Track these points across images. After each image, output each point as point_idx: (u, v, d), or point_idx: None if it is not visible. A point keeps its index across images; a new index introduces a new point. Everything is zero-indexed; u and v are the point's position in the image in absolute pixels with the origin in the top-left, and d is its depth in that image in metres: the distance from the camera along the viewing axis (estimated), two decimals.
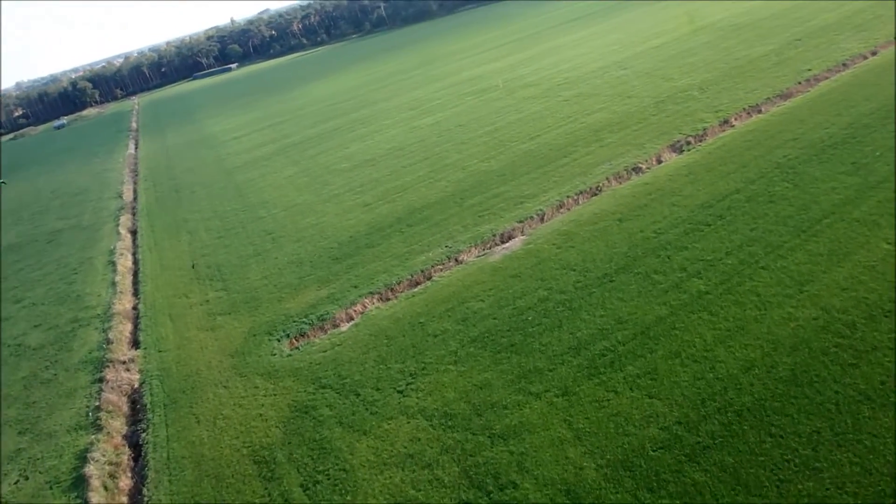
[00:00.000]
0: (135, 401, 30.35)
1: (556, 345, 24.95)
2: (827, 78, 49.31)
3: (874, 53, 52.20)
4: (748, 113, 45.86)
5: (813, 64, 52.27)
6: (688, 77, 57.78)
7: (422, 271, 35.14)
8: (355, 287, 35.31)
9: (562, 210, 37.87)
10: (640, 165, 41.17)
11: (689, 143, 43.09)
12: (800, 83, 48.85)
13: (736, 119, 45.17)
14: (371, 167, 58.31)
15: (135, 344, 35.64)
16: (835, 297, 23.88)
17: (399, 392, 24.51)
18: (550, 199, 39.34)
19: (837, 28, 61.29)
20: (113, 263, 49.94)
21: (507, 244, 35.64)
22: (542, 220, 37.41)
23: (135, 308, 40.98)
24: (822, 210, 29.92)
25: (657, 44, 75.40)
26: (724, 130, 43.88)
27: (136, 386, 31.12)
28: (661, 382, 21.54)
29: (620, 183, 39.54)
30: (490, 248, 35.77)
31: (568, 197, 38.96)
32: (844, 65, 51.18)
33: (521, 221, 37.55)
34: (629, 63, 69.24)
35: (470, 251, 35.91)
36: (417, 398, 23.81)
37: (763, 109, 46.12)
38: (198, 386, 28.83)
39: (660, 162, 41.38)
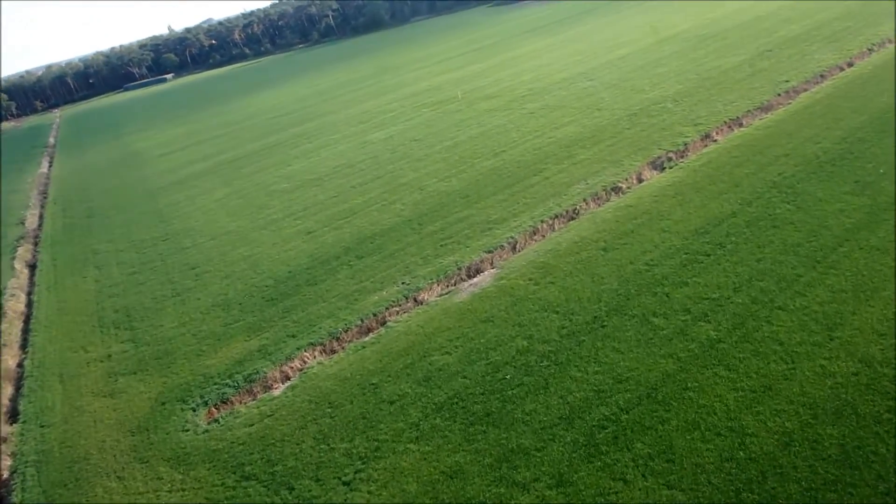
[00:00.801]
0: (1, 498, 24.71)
1: (544, 413, 20.74)
2: (806, 90, 47.33)
3: (850, 65, 50.68)
4: (729, 126, 43.25)
5: (790, 75, 50.40)
6: (659, 88, 55.33)
7: (374, 315, 30.58)
8: (293, 336, 30.48)
9: (536, 237, 34.03)
10: (620, 185, 37.80)
11: (670, 159, 40.04)
12: (779, 95, 46.69)
13: (717, 133, 42.46)
14: (315, 187, 53.63)
15: (12, 416, 29.71)
16: (872, 345, 20.50)
17: (345, 484, 19.73)
18: (522, 224, 35.51)
19: (806, 39, 60.08)
20: (0, 307, 43.73)
21: (475, 279, 31.50)
22: (514, 249, 33.48)
23: (20, 366, 34.83)
24: (834, 237, 26.84)
25: (622, 54, 73.35)
26: (706, 145, 41.06)
27: (3, 477, 25.36)
28: (681, 466, 17.55)
29: (600, 205, 36.04)
30: (455, 285, 31.53)
31: (542, 222, 35.18)
32: (822, 76, 49.40)
33: (489, 251, 33.51)
34: (595, 74, 66.74)
35: (431, 288, 31.61)
36: (369, 492, 19.14)
37: (745, 123, 43.61)
38: (84, 477, 23.19)
39: (641, 181, 38.11)
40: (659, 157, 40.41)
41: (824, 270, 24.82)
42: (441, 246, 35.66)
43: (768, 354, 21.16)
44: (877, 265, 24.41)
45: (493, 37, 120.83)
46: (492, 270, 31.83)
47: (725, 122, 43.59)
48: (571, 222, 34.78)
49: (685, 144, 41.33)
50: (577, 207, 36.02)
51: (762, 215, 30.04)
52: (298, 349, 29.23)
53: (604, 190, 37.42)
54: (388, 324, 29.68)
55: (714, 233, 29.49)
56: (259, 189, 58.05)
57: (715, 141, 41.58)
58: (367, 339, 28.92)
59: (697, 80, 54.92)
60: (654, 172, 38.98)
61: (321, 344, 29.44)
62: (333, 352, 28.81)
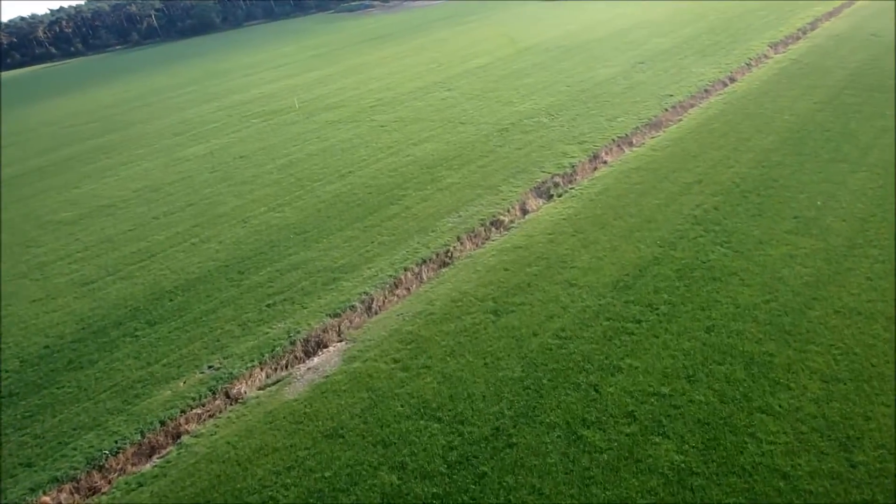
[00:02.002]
0: None
1: None
2: (693, 105, 43.09)
3: (732, 80, 47.63)
4: (618, 146, 37.50)
5: (671, 89, 46.24)
6: (530, 101, 49.18)
7: (163, 424, 19.98)
8: (27, 466, 19.21)
9: (399, 292, 25.14)
10: (501, 217, 30.10)
11: (557, 184, 33.18)
12: (666, 111, 41.97)
13: (607, 154, 36.49)
14: (107, 217, 41.02)
15: None
16: None
17: None
18: (380, 272, 26.50)
19: (678, 52, 57.32)
20: None
21: (316, 360, 21.82)
22: (369, 311, 24.31)
23: None
24: (795, 294, 20.56)
25: (481, 63, 67.28)
26: (596, 168, 34.77)
27: None
28: None
29: (479, 245, 28.04)
30: (287, 368, 21.68)
31: (406, 269, 26.39)
32: (707, 91, 45.71)
33: (335, 314, 24.11)
34: (453, 83, 59.77)
35: (252, 375, 21.51)
36: None
37: (635, 141, 38.09)
38: None
39: (525, 212, 30.72)
40: (543, 182, 33.38)
41: (801, 347, 18.27)
42: (268, 306, 25.65)
43: (771, 496, 13.88)
44: (867, 337, 18.31)
45: (336, 43, 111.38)
46: (339, 345, 22.45)
47: (613, 141, 37.76)
48: (445, 269, 26.35)
49: (572, 167, 34.73)
50: (451, 248, 27.71)
51: (694, 263, 23.47)
52: (33, 491, 18.14)
53: (482, 224, 29.51)
54: (184, 440, 19.32)
55: (638, 288, 22.38)
56: (29, 219, 44.11)
57: (605, 163, 35.45)
58: (147, 467, 18.43)
59: (570, 93, 49.46)
60: (541, 201, 31.80)
61: (73, 479, 18.51)
62: (92, 492, 18.07)
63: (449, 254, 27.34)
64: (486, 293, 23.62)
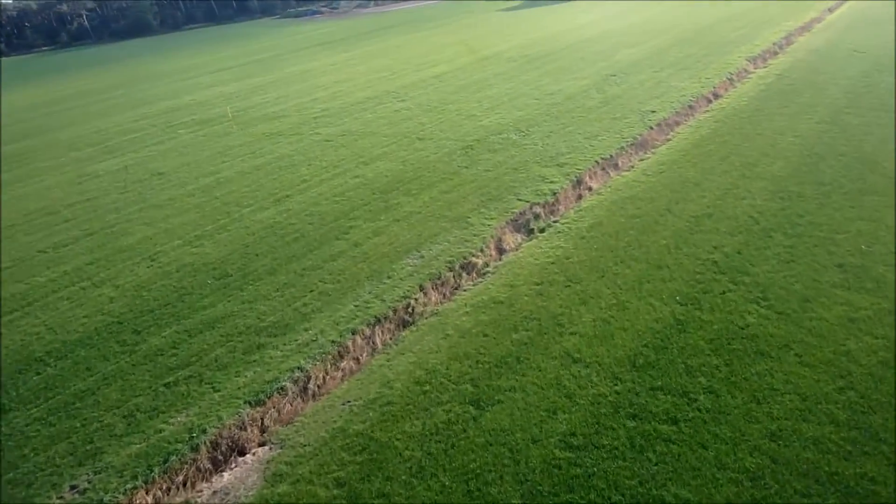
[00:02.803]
0: None
1: None
2: (679, 123, 38.61)
3: (717, 96, 43.50)
4: (603, 169, 32.53)
5: (652, 104, 41.72)
6: (495, 114, 43.94)
7: None
8: None
9: (345, 365, 19.13)
10: (474, 258, 24.53)
11: (537, 216, 27.84)
12: (651, 129, 37.35)
13: (592, 178, 31.45)
14: None
15: None
16: None
17: None
18: (319, 336, 20.43)
19: (652, 65, 53.19)
20: None
21: (226, 477, 15.50)
22: (304, 393, 18.11)
23: None
24: (874, 378, 15.32)
25: (438, 72, 61.92)
26: (581, 196, 29.65)
27: None
28: None
29: (447, 297, 22.36)
30: (187, 489, 15.64)
31: (353, 332, 20.48)
32: (691, 107, 41.39)
33: (259, 402, 17.83)
34: (408, 94, 54.14)
35: (137, 497, 15.47)
36: None
37: (622, 164, 33.20)
38: None
39: (502, 251, 25.28)
40: (521, 213, 27.98)
41: None
42: (167, 386, 19.12)
43: None
44: None
45: (280, 48, 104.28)
46: (262, 452, 16.26)
47: (597, 163, 32.75)
48: (405, 332, 20.48)
49: (553, 194, 29.45)
50: (411, 301, 21.98)
51: (729, 328, 18.31)
52: None
53: (450, 268, 23.82)
54: None
55: (663, 366, 17.01)
56: None
57: (591, 189, 30.34)
58: None
59: (541, 106, 44.45)
60: (520, 237, 26.37)
61: None
62: None
63: (410, 309, 21.54)
64: (461, 371, 17.88)
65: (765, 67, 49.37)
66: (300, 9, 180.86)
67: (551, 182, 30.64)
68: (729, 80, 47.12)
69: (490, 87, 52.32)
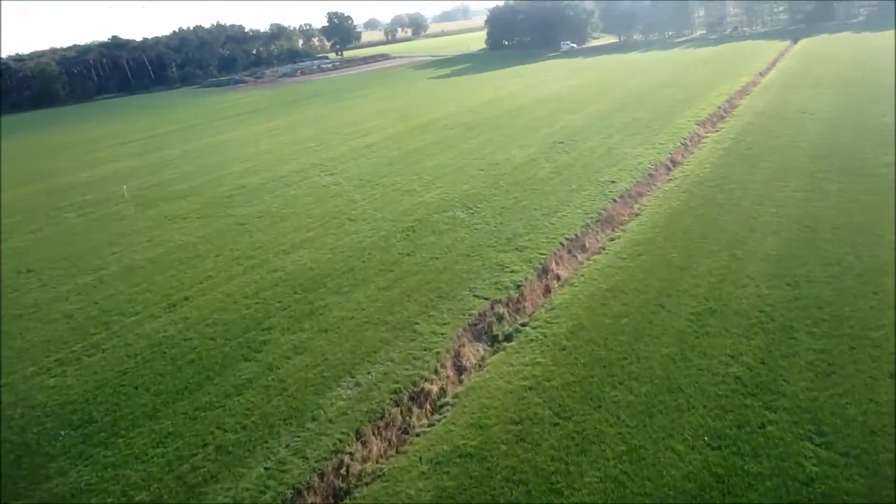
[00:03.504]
0: None
1: None
2: (643, 194, 34.93)
3: (675, 163, 40.43)
4: (569, 252, 27.99)
5: (610, 174, 38.05)
6: (436, 188, 39.30)
7: None
8: None
9: None
10: (426, 385, 18.99)
11: (500, 317, 22.70)
12: (615, 202, 33.41)
13: (558, 264, 26.79)
14: None
15: None
16: None
17: None
18: None
19: (598, 130, 50.29)
20: None
21: None
22: None
23: None
24: None
25: (370, 142, 57.40)
26: (551, 288, 24.75)
27: None
28: None
29: (396, 447, 16.62)
30: None
31: None
32: (651, 176, 37.97)
33: None
34: (337, 166, 49.12)
35: None
36: None
37: (590, 245, 28.76)
38: None
39: (462, 371, 19.93)
40: (481, 315, 22.78)
41: None
42: None
43: None
44: None
45: (196, 118, 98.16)
46: None
47: (562, 245, 28.22)
48: None
49: (517, 287, 24.50)
50: (345, 458, 16.16)
51: (786, 483, 13.26)
52: None
53: (395, 401, 18.20)
54: None
55: None
56: None
57: (560, 279, 25.59)
58: None
59: (486, 178, 40.16)
60: (482, 348, 21.10)
61: None
62: None
63: (344, 470, 15.73)
64: None
65: (716, 131, 47.04)
66: (222, 78, 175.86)
67: (512, 271, 25.73)
68: (683, 145, 44.37)
69: (429, 158, 47.98)
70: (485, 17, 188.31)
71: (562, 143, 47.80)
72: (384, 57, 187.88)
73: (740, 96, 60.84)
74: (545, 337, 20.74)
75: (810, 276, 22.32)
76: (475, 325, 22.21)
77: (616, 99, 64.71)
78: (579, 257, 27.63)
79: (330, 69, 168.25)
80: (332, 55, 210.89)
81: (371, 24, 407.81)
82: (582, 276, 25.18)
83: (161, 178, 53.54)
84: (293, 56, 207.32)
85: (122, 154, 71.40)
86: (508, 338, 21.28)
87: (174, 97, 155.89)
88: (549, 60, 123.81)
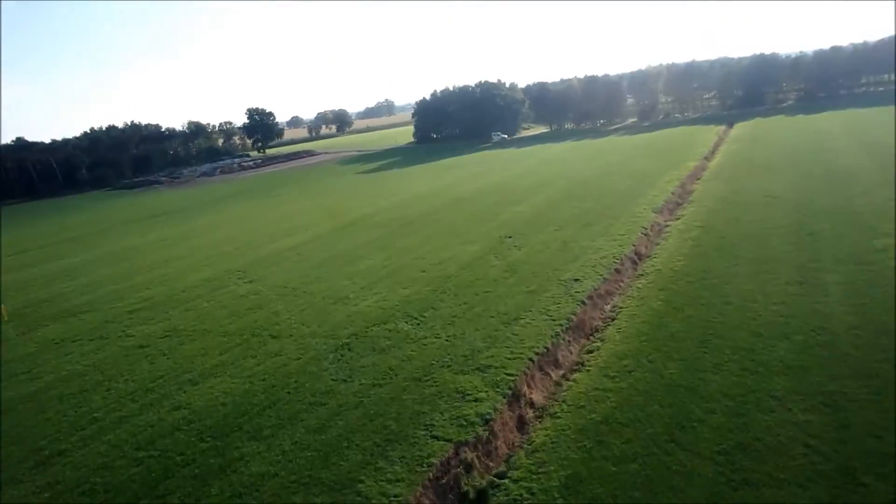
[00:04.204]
0: None
1: None
2: (613, 293, 31.75)
3: (640, 255, 37.78)
4: (543, 369, 23.94)
5: (572, 271, 34.80)
6: (373, 295, 35.06)
7: None
8: None
9: None
10: None
11: (469, 467, 18.18)
12: (583, 304, 29.92)
13: (532, 388, 22.68)
14: None
15: None
16: None
17: None
18: None
19: (548, 221, 47.69)
20: None
21: None
22: None
23: None
24: None
25: (295, 243, 53.04)
26: (526, 421, 20.57)
27: None
28: None
29: None
30: None
31: None
32: (618, 271, 35.02)
33: None
34: (258, 272, 44.37)
35: None
36: None
37: (563, 359, 24.86)
38: None
39: None
40: (444, 464, 18.24)
41: None
42: None
43: None
44: None
45: (102, 223, 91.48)
46: None
47: (531, 362, 24.20)
48: None
49: (485, 422, 20.06)
50: None
51: None
52: None
53: None
54: None
55: None
56: None
57: (535, 407, 21.42)
58: None
59: (430, 281, 36.27)
60: None
61: None
62: None
63: None
64: None
65: (677, 219, 45.13)
66: (137, 179, 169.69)
67: (476, 399, 21.39)
68: (645, 235, 42.04)
69: (362, 259, 43.91)
70: (411, 111, 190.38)
71: (510, 237, 44.77)
72: (309, 153, 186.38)
73: (691, 181, 60.16)
74: (532, 495, 16.28)
75: (848, 393, 18.90)
76: (437, 479, 17.55)
77: (561, 189, 63.11)
78: (554, 375, 23.62)
79: (252, 167, 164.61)
80: (254, 153, 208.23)
81: (294, 122, 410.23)
82: (564, 402, 21.06)
83: (54, 292, 47.25)
84: (213, 155, 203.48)
85: (14, 265, 64.30)
86: (483, 497, 16.74)
87: (84, 201, 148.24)
88: (482, 152, 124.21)
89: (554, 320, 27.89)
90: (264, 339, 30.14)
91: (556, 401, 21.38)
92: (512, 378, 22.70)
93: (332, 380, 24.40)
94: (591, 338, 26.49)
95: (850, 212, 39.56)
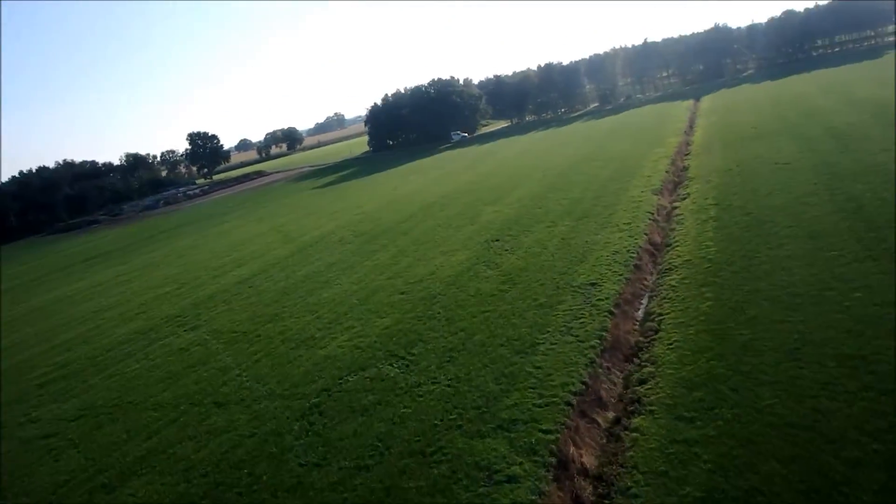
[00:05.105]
0: None
1: None
2: (641, 295, 25.95)
3: (656, 245, 32.12)
4: (582, 413, 17.89)
5: (584, 273, 28.79)
6: (345, 330, 28.51)
7: None
8: None
9: None
10: None
11: None
12: (611, 314, 23.94)
13: (581, 449, 16.47)
14: None
15: None
16: None
17: None
18: None
19: (537, 218, 41.70)
20: None
21: None
22: None
23: None
24: None
25: (246, 274, 46.00)
26: (583, 500, 14.67)
27: None
28: None
29: None
30: None
31: None
32: (638, 267, 29.18)
33: None
34: (201, 316, 37.35)
35: None
36: None
37: (606, 396, 18.88)
38: None
39: None
40: None
41: None
42: None
43: None
44: None
45: (28, 274, 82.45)
46: None
47: (571, 407, 18.14)
48: None
49: None
50: None
51: None
52: None
53: None
54: None
55: None
56: None
57: (590, 476, 15.40)
58: None
59: (415, 305, 29.85)
60: None
61: None
62: None
63: None
64: None
65: (684, 199, 39.68)
66: (72, 221, 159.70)
67: (509, 479, 15.13)
68: (654, 221, 36.46)
69: (327, 286, 37.35)
70: (363, 121, 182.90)
71: (497, 240, 38.74)
72: (259, 174, 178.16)
73: (681, 158, 55.07)
74: None
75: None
76: None
77: (539, 181, 57.36)
78: (602, 421, 17.58)
79: (198, 195, 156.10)
80: (200, 180, 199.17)
81: (243, 146, 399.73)
82: (633, 468, 15.00)
83: None
84: (157, 187, 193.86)
85: None
86: None
87: (13, 251, 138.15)
88: (443, 153, 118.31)
89: (581, 341, 21.86)
90: (207, 409, 23.44)
91: (618, 465, 15.32)
92: (550, 436, 16.56)
93: (300, 465, 17.91)
94: (635, 360, 20.54)
95: (882, 170, 34.46)
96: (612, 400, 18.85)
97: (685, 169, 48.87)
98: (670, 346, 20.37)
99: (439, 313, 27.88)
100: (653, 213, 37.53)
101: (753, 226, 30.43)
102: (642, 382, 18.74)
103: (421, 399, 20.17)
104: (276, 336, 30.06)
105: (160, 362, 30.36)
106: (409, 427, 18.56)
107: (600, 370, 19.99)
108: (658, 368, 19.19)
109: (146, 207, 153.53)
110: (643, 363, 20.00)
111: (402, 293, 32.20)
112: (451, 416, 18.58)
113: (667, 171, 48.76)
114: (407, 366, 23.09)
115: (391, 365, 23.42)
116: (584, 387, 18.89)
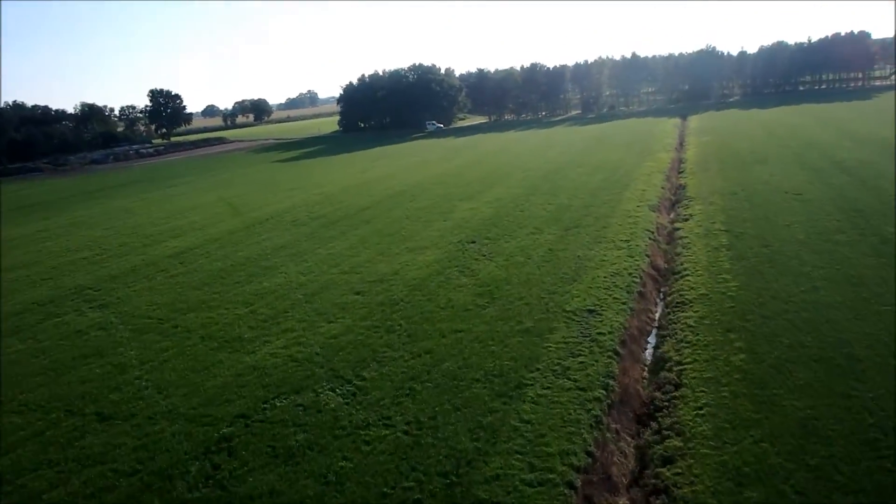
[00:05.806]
0: None
1: None
2: (647, 331, 21.38)
3: (658, 268, 27.62)
4: (605, 484, 13.28)
5: (578, 295, 24.17)
6: (282, 333, 23.26)
7: None
8: None
9: None
10: None
11: None
12: (616, 354, 19.32)
13: None
14: None
15: None
16: None
17: None
18: None
19: (519, 222, 36.99)
20: None
21: None
22: None
23: None
24: None
25: (180, 247, 40.05)
26: None
27: None
28: None
29: None
30: None
31: None
32: (642, 294, 24.65)
33: None
34: (114, 292, 31.35)
35: None
36: None
37: (618, 477, 14.17)
38: None
39: None
40: None
41: None
42: None
43: None
44: None
45: None
46: None
47: (575, 494, 13.44)
48: None
49: None
50: None
51: None
52: None
53: None
54: None
55: None
56: None
57: None
58: None
59: (371, 311, 24.74)
60: None
61: None
62: None
63: None
64: None
65: (686, 220, 35.35)
66: (12, 166, 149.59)
67: None
68: (654, 241, 32.04)
69: (269, 273, 31.96)
70: (336, 100, 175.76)
71: (473, 242, 33.83)
72: (220, 141, 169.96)
73: (675, 175, 51.00)
74: None
75: None
76: None
77: (520, 182, 52.60)
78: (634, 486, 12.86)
79: (151, 154, 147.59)
80: (157, 140, 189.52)
81: (209, 112, 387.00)
82: None
83: None
84: (109, 141, 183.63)
85: None
86: None
87: None
88: (416, 141, 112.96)
89: (582, 389, 17.06)
90: (85, 422, 17.94)
91: None
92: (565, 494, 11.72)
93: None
94: (652, 425, 15.83)
95: None
96: (624, 480, 14.13)
97: (683, 187, 44.64)
98: (699, 412, 15.68)
99: (400, 325, 22.82)
100: (652, 232, 33.05)
101: (777, 261, 26.09)
102: (667, 462, 14.01)
103: (368, 449, 15.09)
104: (197, 330, 24.57)
105: (48, 346, 24.59)
106: (346, 493, 13.49)
107: (609, 436, 15.24)
108: (687, 444, 14.47)
109: (94, 161, 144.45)
110: (665, 431, 15.30)
111: (358, 293, 27.01)
112: (408, 485, 13.56)
113: (662, 188, 44.50)
114: (354, 394, 17.97)
115: (333, 391, 18.26)
116: (589, 459, 14.10)
